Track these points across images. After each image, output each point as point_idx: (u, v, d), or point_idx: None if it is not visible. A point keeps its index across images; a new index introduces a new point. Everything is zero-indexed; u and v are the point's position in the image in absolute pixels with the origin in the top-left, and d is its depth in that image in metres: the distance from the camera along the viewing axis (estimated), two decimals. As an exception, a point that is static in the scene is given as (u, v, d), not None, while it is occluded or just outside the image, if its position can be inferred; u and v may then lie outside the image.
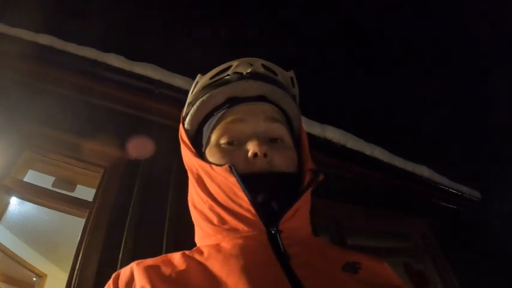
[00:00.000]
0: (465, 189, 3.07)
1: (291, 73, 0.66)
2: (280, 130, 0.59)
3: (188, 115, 0.63)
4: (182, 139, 0.62)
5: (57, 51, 1.66)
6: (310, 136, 2.06)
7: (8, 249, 3.12)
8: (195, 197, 0.59)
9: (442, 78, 3.21)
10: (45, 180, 1.48)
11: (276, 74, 0.64)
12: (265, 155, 0.52)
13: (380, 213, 2.32)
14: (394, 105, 3.03)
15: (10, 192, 1.31)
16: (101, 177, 1.40)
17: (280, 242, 0.49)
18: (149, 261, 0.50)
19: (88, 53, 1.68)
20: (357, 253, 0.55)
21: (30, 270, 3.47)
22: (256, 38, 2.55)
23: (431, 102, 3.14)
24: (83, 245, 1.15)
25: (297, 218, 0.53)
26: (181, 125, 0.64)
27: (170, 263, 0.49)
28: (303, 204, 0.54)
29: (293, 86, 0.66)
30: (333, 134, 2.14)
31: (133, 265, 0.50)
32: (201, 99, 0.60)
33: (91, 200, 1.34)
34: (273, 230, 0.50)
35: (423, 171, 2.68)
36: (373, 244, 2.29)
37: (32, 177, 1.47)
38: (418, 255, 2.41)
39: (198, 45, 2.35)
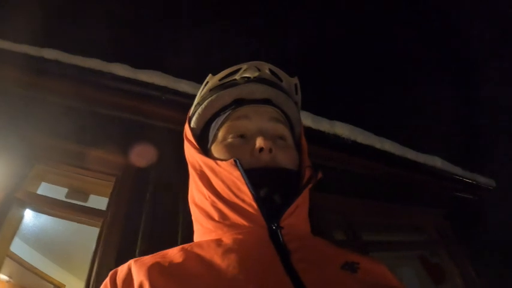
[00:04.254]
0: (479, 178, 3.01)
1: (295, 80, 0.68)
2: (283, 130, 0.61)
3: (195, 114, 0.65)
4: (186, 136, 0.63)
5: (62, 64, 1.68)
6: (319, 133, 2.05)
7: (26, 261, 3.15)
8: (196, 194, 0.60)
9: (449, 68, 3.16)
10: (58, 192, 1.49)
11: (281, 80, 0.67)
12: (270, 150, 0.53)
13: (393, 206, 2.29)
14: (402, 98, 2.99)
15: (24, 205, 1.32)
16: (113, 186, 1.41)
17: (280, 237, 0.49)
18: (147, 257, 0.50)
19: (93, 64, 1.69)
20: (356, 254, 0.55)
21: (48, 282, 3.50)
22: (260, 40, 2.54)
23: (440, 92, 3.10)
24: (98, 254, 1.16)
25: (297, 215, 0.54)
26: (186, 124, 0.66)
27: (168, 257, 0.49)
28: (303, 201, 0.56)
29: (296, 93, 0.69)
30: (342, 129, 2.12)
31: (131, 262, 0.50)
32: (209, 99, 0.63)
33: (104, 209, 1.34)
34: (274, 226, 0.50)
35: (436, 162, 2.63)
36: (387, 238, 2.27)
37: (45, 189, 1.49)
38: (434, 248, 2.37)
39: (203, 49, 2.36)
